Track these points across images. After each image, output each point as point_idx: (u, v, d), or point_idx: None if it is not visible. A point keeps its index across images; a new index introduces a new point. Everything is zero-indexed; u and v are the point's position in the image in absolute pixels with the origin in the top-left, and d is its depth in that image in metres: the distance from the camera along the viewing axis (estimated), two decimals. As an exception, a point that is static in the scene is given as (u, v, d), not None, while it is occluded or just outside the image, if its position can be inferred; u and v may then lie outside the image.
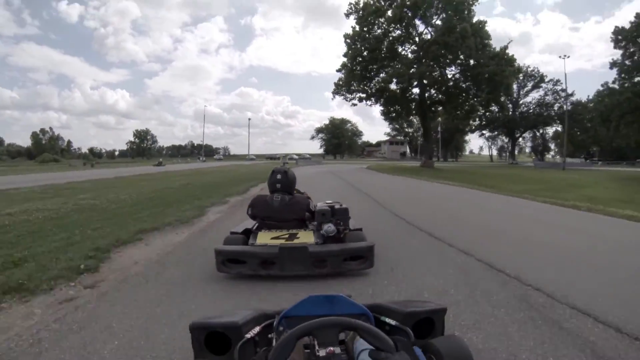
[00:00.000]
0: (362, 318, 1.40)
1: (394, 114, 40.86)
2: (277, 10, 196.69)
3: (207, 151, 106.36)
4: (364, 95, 36.04)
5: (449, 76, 34.66)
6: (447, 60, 32.85)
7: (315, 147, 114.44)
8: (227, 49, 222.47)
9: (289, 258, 3.42)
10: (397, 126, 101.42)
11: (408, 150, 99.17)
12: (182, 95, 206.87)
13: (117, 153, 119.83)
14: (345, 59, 35.10)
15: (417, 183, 18.13)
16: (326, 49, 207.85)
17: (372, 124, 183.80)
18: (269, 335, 1.48)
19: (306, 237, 3.67)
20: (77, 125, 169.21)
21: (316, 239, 3.65)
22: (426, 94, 35.94)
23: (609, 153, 73.82)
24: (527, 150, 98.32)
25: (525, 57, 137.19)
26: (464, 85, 34.23)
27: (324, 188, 13.19)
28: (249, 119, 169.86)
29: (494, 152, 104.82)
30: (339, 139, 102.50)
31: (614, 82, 39.81)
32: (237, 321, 1.47)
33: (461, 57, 32.17)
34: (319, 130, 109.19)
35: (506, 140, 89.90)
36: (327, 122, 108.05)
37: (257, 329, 1.45)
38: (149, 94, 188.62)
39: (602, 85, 45.19)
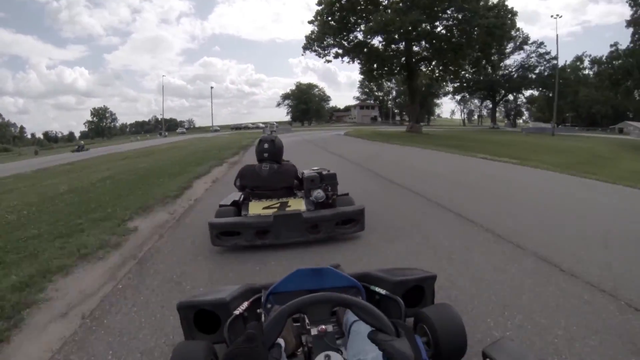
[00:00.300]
0: (353, 290, 1.50)
1: (375, 73, 34.96)
2: None
3: (171, 125, 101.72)
4: (340, 50, 30.92)
5: (440, 29, 29.79)
6: (439, 10, 27.84)
7: (282, 114, 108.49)
8: (189, 18, 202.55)
9: (283, 226, 3.42)
10: (367, 90, 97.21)
11: (378, 114, 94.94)
12: (143, 68, 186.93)
13: (78, 135, 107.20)
14: (319, 8, 29.60)
15: (420, 152, 14.33)
16: (290, 14, 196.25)
17: (338, 89, 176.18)
18: (258, 310, 1.52)
19: (297, 205, 3.66)
20: (35, 109, 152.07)
21: (307, 205, 3.65)
22: (413, 50, 31.17)
23: (583, 120, 73.01)
24: (499, 115, 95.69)
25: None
26: (455, 40, 29.35)
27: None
28: (212, 88, 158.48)
29: (464, 116, 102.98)
30: (306, 105, 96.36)
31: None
32: (225, 298, 1.54)
33: (453, 8, 27.42)
34: (285, 97, 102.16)
35: (478, 103, 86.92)
36: (293, 87, 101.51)
37: (245, 304, 1.50)
38: (109, 69, 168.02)
39: (611, 46, 42.70)
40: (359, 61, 32.30)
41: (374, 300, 1.74)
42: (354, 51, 30.81)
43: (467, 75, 39.96)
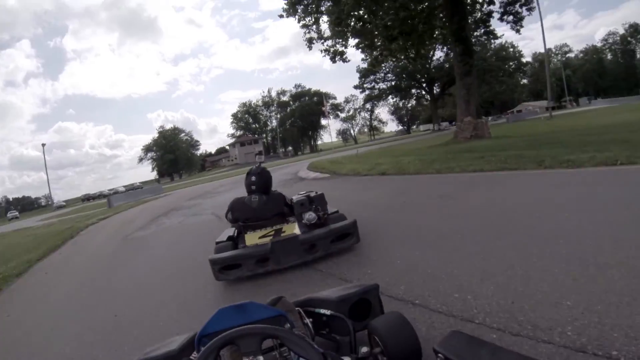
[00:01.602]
0: (281, 319, 1.47)
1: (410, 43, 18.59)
2: (90, 27, 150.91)
3: (25, 204, 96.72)
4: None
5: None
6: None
7: (147, 171, 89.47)
8: (38, 79, 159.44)
9: (282, 251, 3.45)
10: (242, 124, 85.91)
11: (263, 149, 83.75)
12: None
13: None
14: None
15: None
16: (144, 67, 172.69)
17: (199, 137, 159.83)
18: (191, 357, 1.52)
19: (291, 229, 3.74)
20: None
21: (301, 228, 3.72)
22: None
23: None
24: (391, 119, 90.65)
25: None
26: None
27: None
28: (43, 144, 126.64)
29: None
30: (174, 154, 79.66)
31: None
32: (175, 349, 1.56)
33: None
34: (147, 149, 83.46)
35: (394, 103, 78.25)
36: (156, 135, 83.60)
37: (194, 353, 1.49)
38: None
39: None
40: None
41: (322, 321, 1.81)
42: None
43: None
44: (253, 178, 3.98)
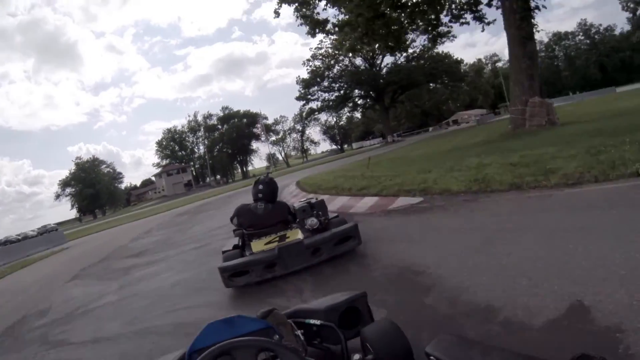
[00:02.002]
0: (269, 332, 1.49)
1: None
2: (3, 52, 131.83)
3: None
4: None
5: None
6: None
7: (66, 209, 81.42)
8: None
9: (287, 256, 3.63)
10: (167, 152, 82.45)
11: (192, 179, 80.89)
12: None
13: None
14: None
15: None
16: (63, 96, 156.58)
17: (124, 170, 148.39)
18: None
19: (295, 235, 3.93)
20: None
21: (304, 233, 3.93)
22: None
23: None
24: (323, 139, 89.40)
25: (264, 74, 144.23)
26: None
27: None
28: None
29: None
30: (94, 188, 73.87)
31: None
32: None
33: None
34: (65, 184, 76.22)
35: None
36: (73, 168, 76.96)
37: None
38: None
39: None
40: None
41: (312, 332, 1.83)
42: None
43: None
44: (260, 187, 4.26)
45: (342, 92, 61.19)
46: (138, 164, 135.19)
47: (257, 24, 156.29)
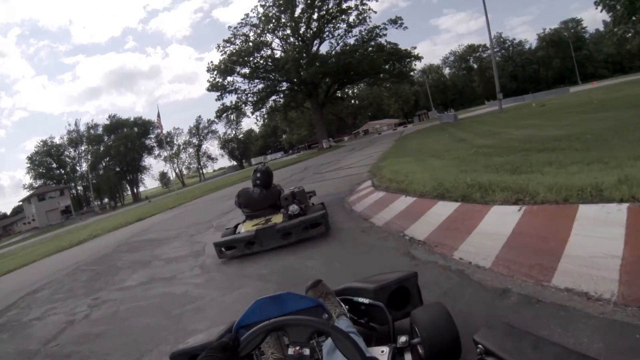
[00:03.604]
0: (318, 310, 1.47)
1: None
2: None
3: None
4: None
5: None
6: None
7: None
8: None
9: (263, 236, 4.57)
10: (42, 170, 68.98)
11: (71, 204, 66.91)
12: None
13: None
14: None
15: None
16: None
17: (3, 193, 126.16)
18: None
19: (277, 219, 4.80)
20: None
21: (284, 218, 4.75)
22: None
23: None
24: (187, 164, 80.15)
25: (156, 89, 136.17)
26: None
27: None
28: None
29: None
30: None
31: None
32: (213, 340, 1.62)
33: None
34: None
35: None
36: None
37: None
38: None
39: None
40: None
41: (360, 310, 1.86)
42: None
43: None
44: (258, 174, 5.25)
45: (269, 82, 46.60)
46: (18, 186, 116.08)
47: (152, 34, 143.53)
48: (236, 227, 5.01)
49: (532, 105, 21.51)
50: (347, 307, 1.79)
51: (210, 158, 79.84)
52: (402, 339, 1.54)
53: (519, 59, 79.05)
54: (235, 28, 46.16)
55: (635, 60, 71.37)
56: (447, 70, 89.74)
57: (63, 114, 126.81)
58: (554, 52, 77.03)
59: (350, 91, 58.18)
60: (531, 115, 16.51)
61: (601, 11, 23.78)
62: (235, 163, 79.65)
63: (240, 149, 79.25)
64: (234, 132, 72.38)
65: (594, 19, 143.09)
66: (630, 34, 24.32)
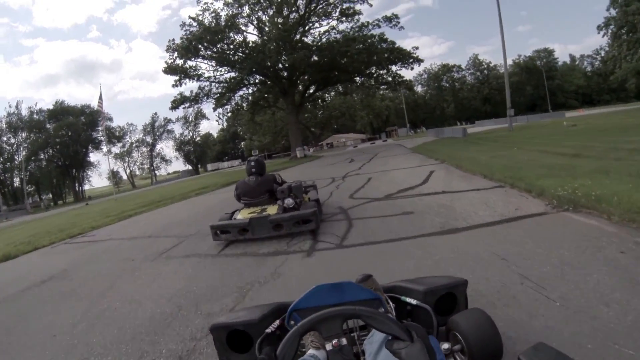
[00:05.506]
0: (375, 303, 1.45)
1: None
2: None
3: None
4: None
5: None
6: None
7: None
8: None
9: (256, 225, 4.84)
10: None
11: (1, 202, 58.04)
12: None
13: None
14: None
15: None
16: None
17: None
18: (271, 327, 1.53)
19: (271, 210, 5.02)
20: None
21: (278, 210, 4.98)
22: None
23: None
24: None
25: (116, 84, 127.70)
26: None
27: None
28: None
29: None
30: None
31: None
32: (255, 318, 1.59)
33: None
34: None
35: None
36: None
37: (277, 322, 1.51)
38: None
39: None
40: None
41: (405, 310, 1.78)
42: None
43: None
44: (252, 163, 5.51)
45: (239, 70, 36.39)
46: None
47: (117, 26, 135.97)
48: (234, 213, 5.32)
49: (563, 124, 21.19)
50: (393, 304, 1.72)
51: (164, 160, 72.84)
52: (445, 345, 1.46)
53: (495, 83, 78.20)
54: (205, 3, 36.05)
55: (603, 94, 73.24)
56: (419, 88, 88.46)
57: (16, 98, 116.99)
58: (527, 79, 77.59)
59: (327, 96, 52.49)
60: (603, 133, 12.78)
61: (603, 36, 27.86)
62: (190, 167, 73.24)
63: (197, 152, 73.34)
64: (191, 134, 66.77)
65: (563, 52, 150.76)
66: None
